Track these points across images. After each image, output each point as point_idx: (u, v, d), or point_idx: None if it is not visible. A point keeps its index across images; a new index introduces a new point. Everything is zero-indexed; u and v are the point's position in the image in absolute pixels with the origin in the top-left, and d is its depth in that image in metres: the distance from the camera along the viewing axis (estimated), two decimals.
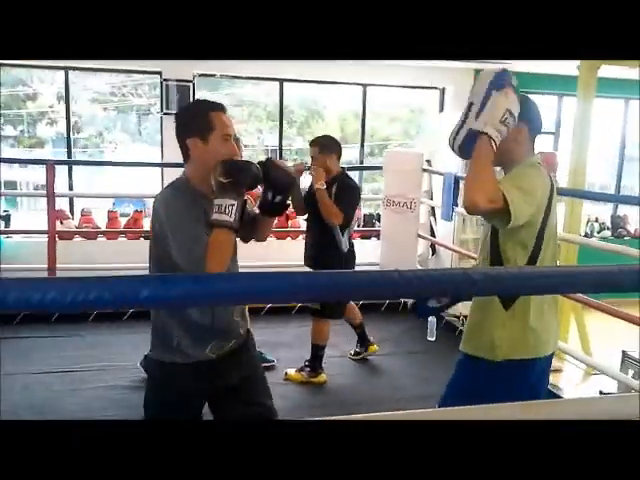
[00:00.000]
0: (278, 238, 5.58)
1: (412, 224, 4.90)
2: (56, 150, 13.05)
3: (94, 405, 3.31)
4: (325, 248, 3.60)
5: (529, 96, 2.00)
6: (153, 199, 1.83)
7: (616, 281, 1.04)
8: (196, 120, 1.76)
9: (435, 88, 5.96)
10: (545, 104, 5.91)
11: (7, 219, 4.98)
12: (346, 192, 3.55)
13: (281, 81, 5.61)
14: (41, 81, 13.43)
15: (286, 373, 3.79)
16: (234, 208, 1.63)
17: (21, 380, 3.61)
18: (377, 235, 5.37)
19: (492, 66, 1.91)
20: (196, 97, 5.32)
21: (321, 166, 3.54)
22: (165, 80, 5.17)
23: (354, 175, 5.66)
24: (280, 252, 5.14)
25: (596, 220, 6.58)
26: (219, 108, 1.80)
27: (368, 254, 5.12)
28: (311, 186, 3.58)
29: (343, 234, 3.61)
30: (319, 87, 6.20)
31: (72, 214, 5.38)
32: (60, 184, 5.60)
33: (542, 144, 5.76)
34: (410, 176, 4.83)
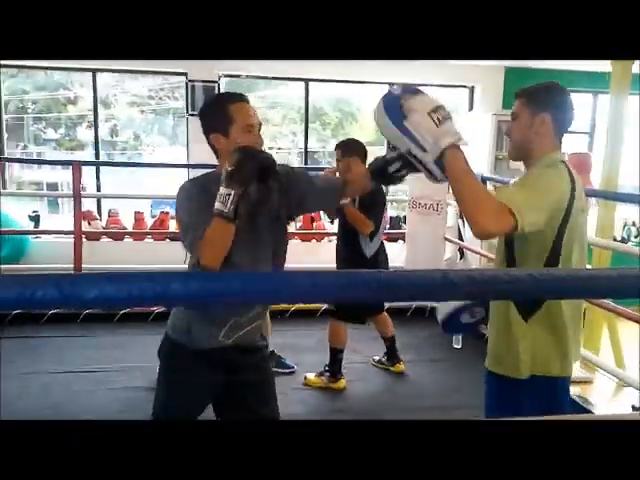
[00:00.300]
0: (303, 240, 5.53)
1: (439, 227, 4.77)
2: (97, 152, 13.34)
3: (111, 406, 3.31)
4: (350, 254, 3.58)
5: (559, 85, 1.82)
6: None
7: (615, 286, 0.93)
8: (216, 115, 1.72)
9: (464, 87, 5.82)
10: (580, 102, 5.69)
11: (37, 220, 5.06)
12: (370, 197, 3.48)
13: (307, 81, 5.55)
14: (81, 85, 13.76)
15: (305, 377, 3.74)
16: (230, 198, 1.57)
17: (40, 379, 3.65)
18: (403, 238, 5.26)
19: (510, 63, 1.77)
20: None
21: (345, 168, 3.48)
22: (190, 81, 5.17)
23: None
24: (305, 254, 5.10)
25: (633, 224, 6.30)
26: (238, 99, 1.74)
27: (394, 257, 5.02)
28: None
29: (372, 239, 3.56)
30: (352, 88, 6.09)
31: (100, 215, 5.43)
32: (91, 185, 5.71)
33: (576, 145, 5.56)
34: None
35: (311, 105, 13.29)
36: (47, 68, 6.23)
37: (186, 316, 1.83)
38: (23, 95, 12.20)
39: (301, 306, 4.85)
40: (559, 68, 5.38)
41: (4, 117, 5.36)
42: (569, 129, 1.84)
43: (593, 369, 3.83)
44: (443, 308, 1.95)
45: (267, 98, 12.23)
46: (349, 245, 3.59)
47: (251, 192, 1.66)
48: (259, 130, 1.76)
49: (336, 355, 3.68)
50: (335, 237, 3.99)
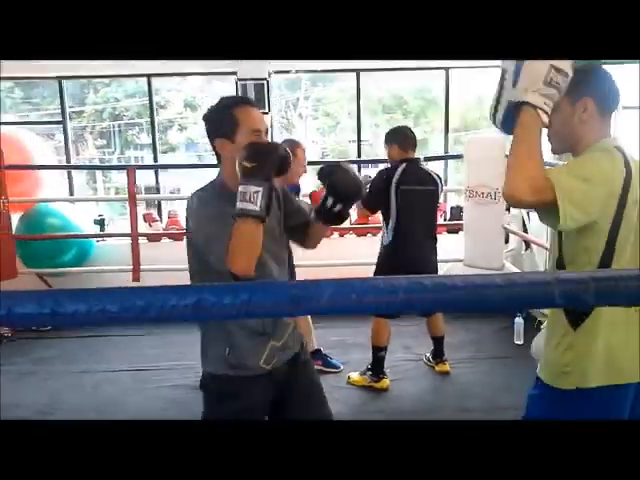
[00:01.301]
0: (358, 235, 5.43)
1: (497, 216, 4.50)
2: (189, 154, 13.94)
3: (156, 404, 3.40)
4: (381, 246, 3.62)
5: (594, 64, 1.59)
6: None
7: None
8: (220, 119, 1.68)
9: None
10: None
11: (102, 223, 5.29)
12: (371, 186, 3.50)
13: (358, 72, 5.43)
14: (168, 90, 14.39)
15: (349, 377, 3.67)
16: (259, 195, 1.48)
17: (92, 378, 3.82)
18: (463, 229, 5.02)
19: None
20: (269, 94, 5.31)
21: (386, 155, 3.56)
22: (240, 79, 5.20)
23: (439, 165, 5.40)
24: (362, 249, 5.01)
25: None
26: (244, 102, 1.71)
27: (453, 250, 4.82)
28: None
29: (387, 228, 3.50)
30: (432, 76, 5.87)
31: (160, 217, 5.60)
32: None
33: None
34: (492, 164, 4.43)
35: (391, 95, 13.12)
36: (108, 76, 6.50)
37: (222, 346, 1.75)
38: (115, 103, 12.94)
39: None
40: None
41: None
42: (617, 107, 1.61)
43: None
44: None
45: (347, 90, 12.22)
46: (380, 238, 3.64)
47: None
48: (266, 135, 1.70)
49: (377, 353, 3.58)
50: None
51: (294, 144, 3.47)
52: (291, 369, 1.85)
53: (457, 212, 5.41)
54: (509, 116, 1.42)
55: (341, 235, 5.38)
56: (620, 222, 1.48)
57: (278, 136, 5.88)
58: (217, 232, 1.56)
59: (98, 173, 10.29)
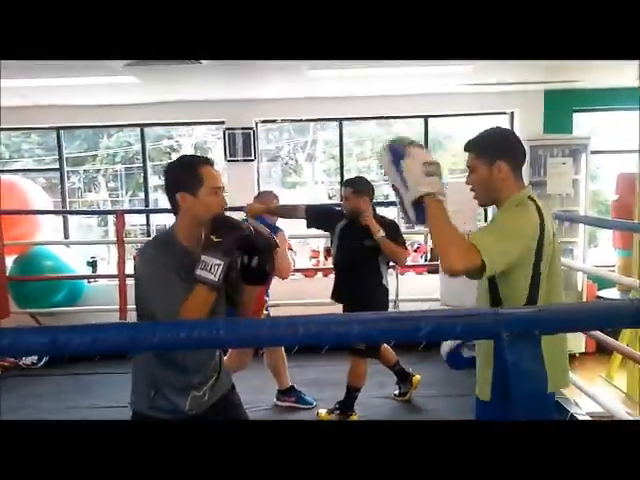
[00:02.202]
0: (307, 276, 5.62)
1: None
2: None
3: None
4: (373, 285, 3.62)
5: (500, 128, 2.03)
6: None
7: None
8: (186, 175, 1.80)
9: (504, 113, 5.69)
10: (627, 119, 5.38)
11: (94, 264, 5.53)
12: (393, 228, 3.62)
13: (340, 120, 5.69)
14: (180, 135, 14.82)
15: (318, 414, 3.79)
16: (220, 268, 1.65)
17: (79, 414, 3.97)
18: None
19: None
20: (256, 143, 5.58)
21: (354, 207, 3.57)
22: (229, 129, 5.48)
23: None
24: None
25: None
26: (208, 162, 1.86)
27: (429, 289, 4.99)
28: (351, 221, 3.62)
29: (386, 267, 3.70)
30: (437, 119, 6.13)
31: None
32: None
33: (627, 164, 5.24)
34: (466, 207, 4.63)
35: (394, 136, 13.43)
36: (102, 126, 6.82)
37: (147, 387, 1.84)
38: (128, 147, 13.36)
39: None
40: (596, 86, 5.16)
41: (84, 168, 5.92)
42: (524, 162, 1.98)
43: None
44: (445, 346, 2.13)
45: (354, 134, 12.55)
46: (373, 277, 3.62)
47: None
48: (223, 191, 1.87)
49: (352, 393, 3.70)
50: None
51: (269, 195, 3.76)
52: (217, 409, 1.93)
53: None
54: (419, 213, 1.72)
55: (325, 275, 5.54)
56: (540, 264, 1.82)
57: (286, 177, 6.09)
58: (161, 291, 1.72)
59: (109, 216, 10.65)
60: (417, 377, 4.04)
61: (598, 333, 3.18)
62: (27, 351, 0.98)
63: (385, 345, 3.91)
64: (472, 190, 1.97)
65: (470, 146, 1.95)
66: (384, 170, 1.78)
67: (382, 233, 3.49)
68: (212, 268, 1.64)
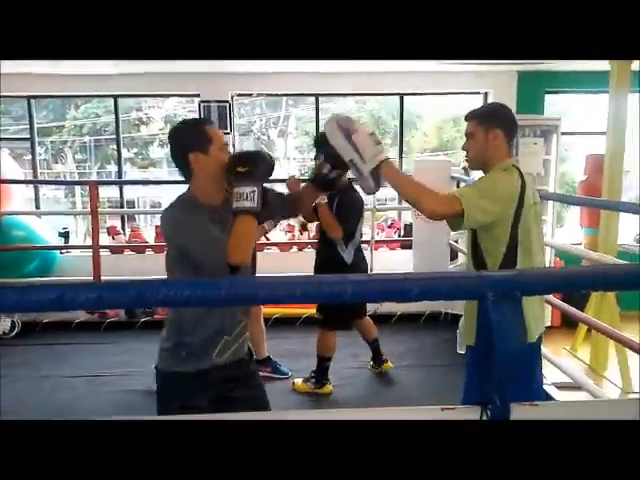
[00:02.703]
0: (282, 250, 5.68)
1: (443, 233, 4.77)
2: (170, 169, 14.05)
3: (108, 408, 3.57)
4: (330, 261, 3.62)
5: (500, 103, 2.25)
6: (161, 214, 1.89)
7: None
8: (195, 136, 1.83)
9: (478, 93, 5.78)
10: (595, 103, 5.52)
11: (66, 235, 5.47)
12: (347, 206, 3.58)
13: (317, 96, 5.70)
14: (150, 106, 14.57)
15: (294, 383, 3.87)
16: (255, 194, 1.69)
17: (52, 382, 3.99)
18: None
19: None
20: (232, 115, 5.56)
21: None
22: (204, 102, 5.45)
23: None
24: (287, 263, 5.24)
25: None
26: (210, 122, 1.92)
27: (403, 263, 5.10)
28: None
29: (347, 246, 3.63)
30: (411, 97, 6.14)
31: (124, 230, 5.80)
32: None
33: (595, 146, 5.39)
34: (438, 184, 4.70)
35: (369, 115, 13.36)
36: (74, 96, 6.69)
37: (178, 344, 1.88)
38: (96, 119, 13.09)
39: (294, 312, 5.04)
40: (569, 69, 5.28)
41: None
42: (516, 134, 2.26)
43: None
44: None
45: (327, 110, 12.52)
46: (328, 252, 3.63)
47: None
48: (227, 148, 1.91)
49: (323, 363, 3.79)
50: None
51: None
52: (240, 371, 1.98)
53: (410, 229, 5.67)
54: (376, 180, 1.91)
55: (300, 249, 5.60)
56: (519, 219, 2.02)
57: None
58: (206, 244, 1.74)
59: (77, 187, 10.48)
60: (389, 364, 4.10)
61: (564, 305, 3.31)
62: (34, 307, 1.01)
63: (369, 319, 3.99)
64: (467, 155, 2.21)
65: (472, 114, 2.17)
66: (338, 149, 1.89)
67: (322, 200, 3.47)
68: (247, 196, 1.68)
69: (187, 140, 1.85)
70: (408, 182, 1.97)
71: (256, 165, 1.73)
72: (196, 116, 5.55)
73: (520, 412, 1.09)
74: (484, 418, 1.08)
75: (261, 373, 4.00)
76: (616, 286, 1.22)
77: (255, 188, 1.70)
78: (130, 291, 1.03)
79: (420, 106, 12.47)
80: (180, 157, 1.86)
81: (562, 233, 6.66)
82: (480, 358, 1.93)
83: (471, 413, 1.10)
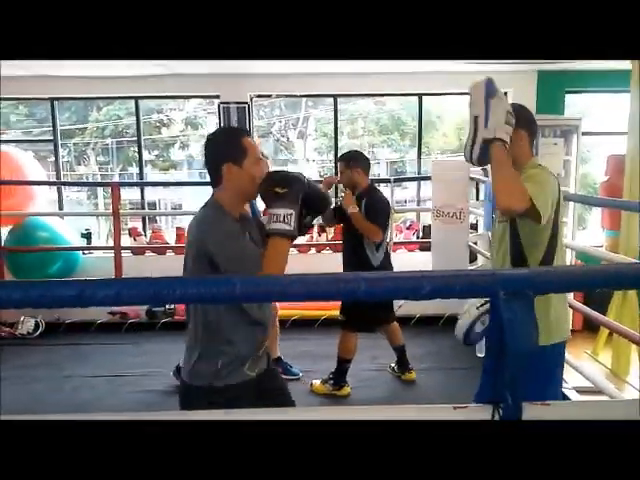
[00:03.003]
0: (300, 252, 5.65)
1: (462, 234, 4.75)
2: (191, 171, 14.16)
3: (128, 408, 3.60)
4: (357, 265, 3.62)
5: (522, 105, 2.19)
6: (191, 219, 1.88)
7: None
8: (231, 146, 1.82)
9: None
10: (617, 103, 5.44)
11: (88, 236, 5.56)
12: (376, 207, 3.60)
13: (335, 97, 5.71)
14: (171, 108, 14.67)
15: (311, 384, 3.87)
16: (293, 217, 1.69)
17: (73, 382, 4.05)
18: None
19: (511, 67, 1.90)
20: (251, 117, 5.59)
21: (348, 180, 3.61)
22: (223, 103, 5.49)
23: (412, 186, 5.66)
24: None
25: None
26: (248, 133, 1.91)
27: (422, 265, 5.07)
28: (341, 205, 3.64)
29: (378, 249, 3.65)
30: (431, 98, 6.10)
31: (145, 232, 5.87)
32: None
33: (616, 146, 5.32)
34: (457, 185, 4.70)
35: (389, 116, 13.31)
36: (96, 98, 6.79)
37: (214, 359, 1.83)
38: (118, 121, 13.23)
39: (312, 314, 5.04)
40: (589, 68, 5.22)
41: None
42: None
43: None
44: (460, 325, 2.21)
45: (346, 112, 12.51)
46: (356, 255, 3.63)
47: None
48: (264, 160, 1.95)
49: (343, 365, 3.78)
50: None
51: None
52: (265, 377, 1.99)
53: (429, 231, 5.65)
54: (483, 152, 1.87)
55: (318, 251, 5.61)
56: (558, 217, 2.05)
57: (277, 154, 6.12)
58: (239, 251, 1.75)
59: (99, 189, 10.62)
60: (413, 375, 4.05)
61: (586, 308, 3.27)
62: (55, 303, 1.03)
63: (396, 325, 3.97)
64: None
65: None
66: (472, 99, 1.87)
67: (354, 209, 3.50)
68: (285, 218, 1.68)
69: (222, 149, 1.85)
70: (510, 172, 1.86)
71: (294, 187, 1.72)
72: (216, 119, 5.58)
73: (532, 411, 1.08)
74: (496, 417, 1.08)
75: None
76: (629, 285, 1.20)
77: (292, 211, 1.69)
78: (147, 288, 1.05)
79: (440, 107, 12.38)
80: (213, 165, 1.84)
81: (584, 236, 6.57)
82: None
83: (483, 412, 1.11)
